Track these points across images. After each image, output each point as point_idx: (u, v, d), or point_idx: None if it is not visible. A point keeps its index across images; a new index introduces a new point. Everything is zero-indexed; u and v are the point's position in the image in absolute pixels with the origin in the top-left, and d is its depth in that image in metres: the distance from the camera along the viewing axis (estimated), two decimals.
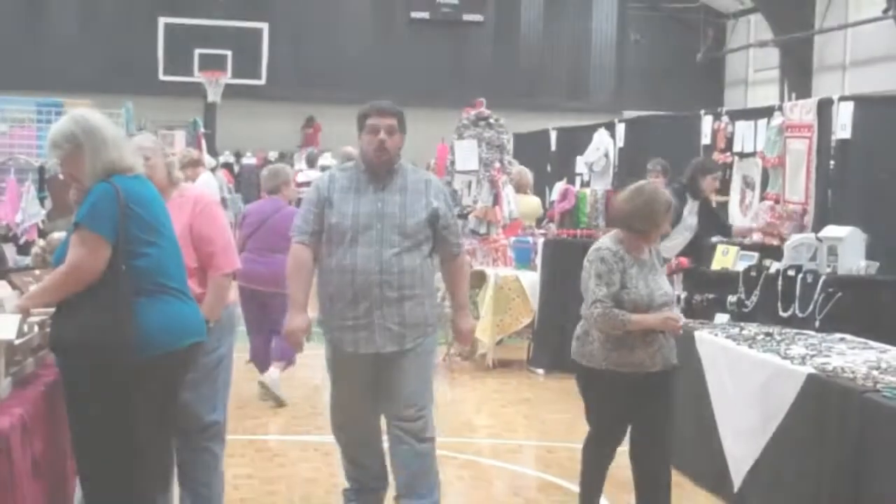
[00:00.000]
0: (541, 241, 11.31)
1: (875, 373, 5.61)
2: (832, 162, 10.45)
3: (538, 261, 11.15)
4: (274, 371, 9.22)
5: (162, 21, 25.08)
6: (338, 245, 5.60)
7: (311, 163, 18.96)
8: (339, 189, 5.66)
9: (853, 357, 6.19)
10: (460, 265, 5.92)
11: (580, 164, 16.20)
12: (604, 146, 15.12)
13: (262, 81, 25.21)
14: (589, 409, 6.00)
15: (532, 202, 13.35)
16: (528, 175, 13.89)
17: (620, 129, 16.17)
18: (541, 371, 10.91)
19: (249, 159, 26.20)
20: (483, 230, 11.96)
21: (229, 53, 24.60)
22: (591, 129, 16.30)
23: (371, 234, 5.58)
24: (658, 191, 5.93)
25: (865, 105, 10.36)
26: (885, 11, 18.06)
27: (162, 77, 24.84)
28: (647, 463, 5.91)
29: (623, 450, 6.03)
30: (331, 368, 5.85)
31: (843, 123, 10.28)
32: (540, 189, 17.46)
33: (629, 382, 5.70)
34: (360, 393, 5.77)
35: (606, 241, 5.83)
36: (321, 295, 5.72)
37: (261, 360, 9.43)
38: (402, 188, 5.67)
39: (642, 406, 5.80)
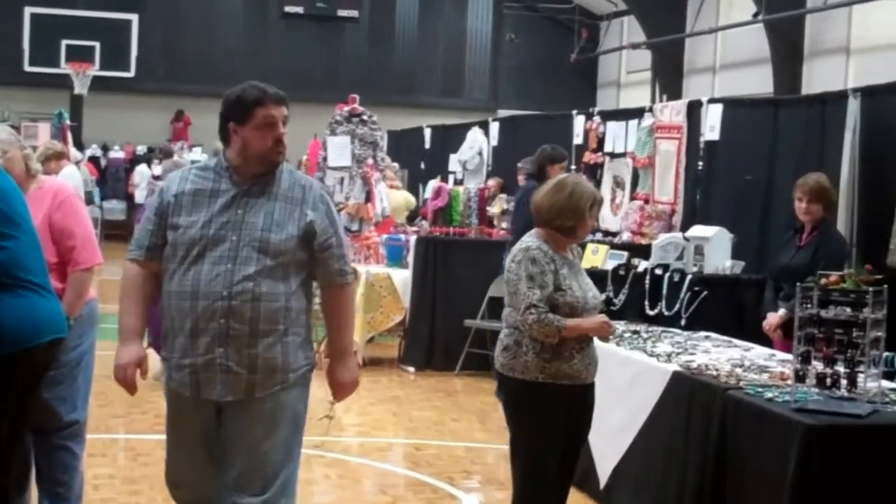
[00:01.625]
0: (413, 238, 11.28)
1: (738, 370, 5.68)
2: (700, 163, 10.63)
3: (410, 258, 11.11)
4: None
5: (28, 11, 24.50)
6: (180, 262, 4.36)
7: (168, 155, 18.53)
8: (191, 192, 4.39)
9: (717, 355, 6.27)
10: (344, 299, 4.54)
11: (454, 161, 16.25)
12: (478, 144, 15.18)
13: (131, 74, 24.79)
14: (521, 431, 5.16)
15: (403, 198, 13.31)
16: (395, 170, 13.86)
17: (494, 127, 16.26)
18: (411, 369, 10.88)
19: (117, 153, 25.72)
20: (355, 227, 11.89)
21: (97, 45, 24.14)
22: (466, 127, 16.37)
23: (222, 250, 4.31)
24: (581, 183, 5.33)
25: (733, 107, 10.55)
26: (755, 15, 18.44)
27: (27, 68, 24.26)
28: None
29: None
30: (167, 415, 4.59)
31: (711, 125, 10.47)
32: (414, 186, 17.48)
33: (569, 396, 5.09)
34: (198, 450, 4.47)
35: (533, 240, 5.17)
36: (164, 328, 4.50)
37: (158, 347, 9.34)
38: (273, 194, 4.38)
39: (575, 422, 5.18)
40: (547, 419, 5.06)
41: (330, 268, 4.43)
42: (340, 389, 4.57)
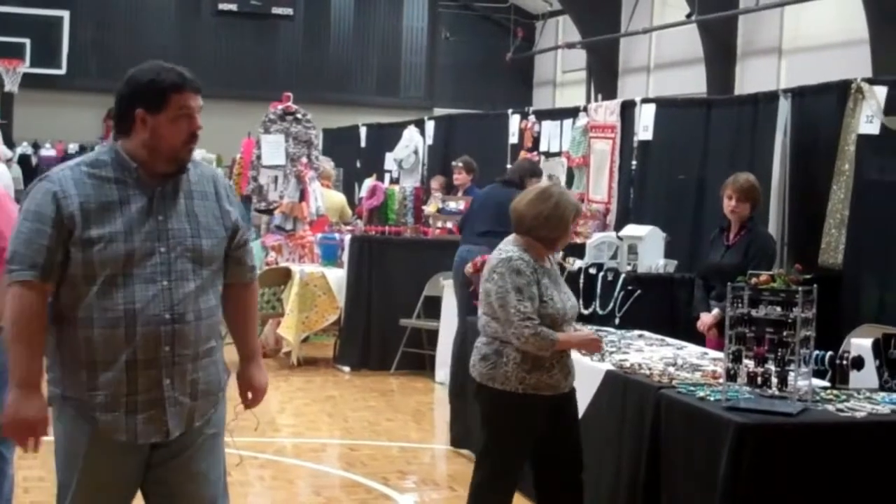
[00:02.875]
0: (348, 237, 11.24)
1: (671, 369, 5.72)
2: (634, 162, 10.70)
3: (345, 258, 11.07)
4: None
5: None
6: (103, 283, 3.65)
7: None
8: (95, 198, 3.67)
9: (651, 353, 6.30)
10: (254, 295, 4.13)
11: (389, 160, 16.23)
12: (413, 143, 15.16)
13: (63, 71, 24.46)
14: (495, 439, 5.16)
15: (335, 198, 13.26)
16: (330, 169, 13.81)
17: (430, 126, 16.27)
18: (347, 368, 10.84)
19: (49, 150, 25.42)
20: (289, 226, 11.83)
21: (28, 42, 23.79)
22: (402, 125, 16.35)
23: (153, 265, 3.70)
24: (565, 193, 5.29)
25: (666, 107, 10.63)
26: (689, 16, 18.58)
27: None
28: (568, 487, 5.32)
29: None
30: (77, 466, 3.74)
31: (645, 125, 10.54)
32: (349, 185, 17.42)
33: (548, 406, 5.12)
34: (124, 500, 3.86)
35: (512, 249, 5.10)
36: (65, 362, 3.72)
37: None
38: (187, 191, 3.81)
39: (555, 429, 5.19)
40: (523, 429, 5.10)
41: (246, 265, 4.02)
42: (257, 393, 4.15)
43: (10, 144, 21.90)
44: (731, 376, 4.81)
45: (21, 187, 16.37)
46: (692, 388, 5.15)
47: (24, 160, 24.28)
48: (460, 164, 12.18)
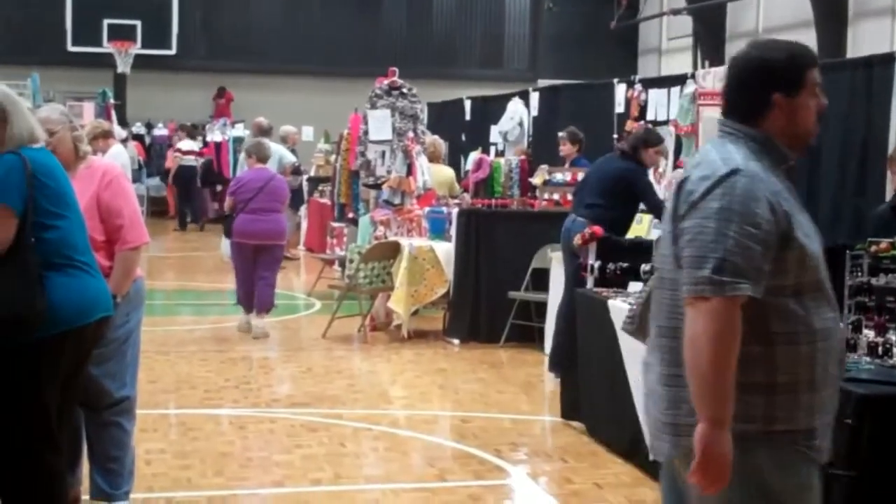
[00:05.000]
0: (455, 210, 11.27)
1: None
2: None
3: (453, 231, 11.11)
4: (258, 320, 10.94)
5: None
6: (812, 288, 3.16)
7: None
8: (785, 198, 3.14)
9: None
10: None
11: (494, 133, 16.23)
12: (518, 115, 15.16)
13: (173, 51, 24.87)
14: None
15: (445, 172, 13.31)
16: (441, 145, 13.86)
17: (534, 97, 16.23)
18: (456, 341, 10.89)
19: (161, 130, 25.90)
20: (397, 200, 11.90)
21: (139, 23, 24.23)
22: (506, 98, 16.34)
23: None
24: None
25: None
26: None
27: (70, 48, 24.39)
28: None
29: None
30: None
31: None
32: (455, 159, 17.47)
33: None
34: None
35: None
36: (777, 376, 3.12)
37: (246, 304, 11.08)
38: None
39: None
40: None
41: None
42: None
43: (124, 125, 22.40)
44: (852, 346, 4.74)
45: (136, 167, 16.73)
46: None
47: (138, 140, 24.77)
48: (565, 135, 12.11)
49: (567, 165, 12.02)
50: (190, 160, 22.56)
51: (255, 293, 10.96)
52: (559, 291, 9.44)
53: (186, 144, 23.02)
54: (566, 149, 12.06)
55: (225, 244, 11.54)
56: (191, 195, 22.78)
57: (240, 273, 11.15)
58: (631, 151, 9.18)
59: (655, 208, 9.13)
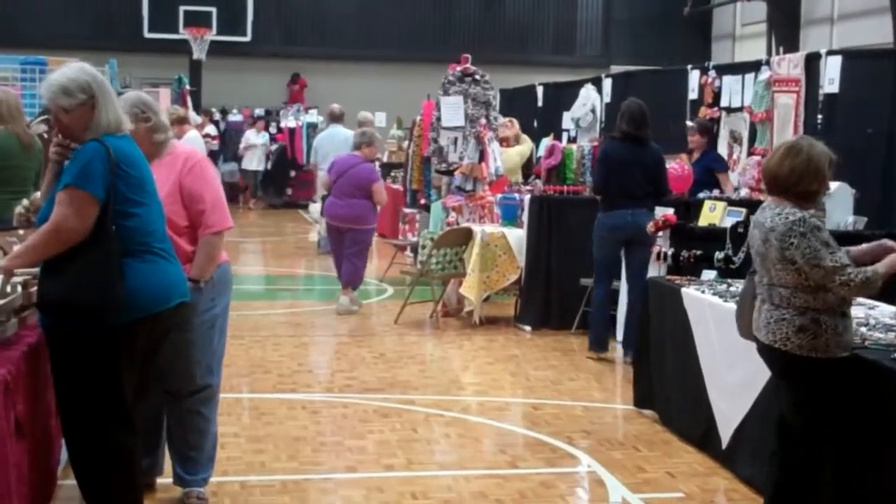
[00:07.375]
0: (527, 197, 11.27)
1: (863, 329, 5.58)
2: (819, 116, 10.45)
3: (525, 217, 11.11)
4: (343, 297, 11.60)
5: None
6: None
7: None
8: None
9: None
10: None
11: (567, 119, 16.17)
12: (590, 101, 15.09)
13: (248, 38, 25.05)
14: (818, 409, 4.98)
15: (514, 153, 13.26)
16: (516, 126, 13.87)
17: (607, 84, 16.14)
18: (528, 328, 10.90)
19: (236, 116, 26.13)
20: (469, 187, 11.92)
21: (214, 10, 24.43)
22: (578, 84, 16.27)
23: None
24: (815, 144, 5.07)
25: (853, 59, 10.33)
26: None
27: (146, 34, 24.64)
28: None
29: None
30: None
31: (830, 77, 10.27)
32: None
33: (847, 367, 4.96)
34: None
35: (793, 210, 4.91)
36: None
37: (341, 281, 11.84)
38: None
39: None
40: (844, 395, 4.96)
41: None
42: None
43: (199, 111, 22.60)
44: None
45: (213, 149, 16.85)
46: (885, 349, 5.03)
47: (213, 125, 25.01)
48: (694, 126, 11.62)
49: (695, 157, 11.40)
50: (214, 145, 22.84)
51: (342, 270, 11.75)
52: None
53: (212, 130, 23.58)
54: (695, 140, 11.45)
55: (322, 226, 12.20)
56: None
57: (334, 252, 12.08)
58: (646, 135, 9.43)
59: (667, 192, 9.61)
